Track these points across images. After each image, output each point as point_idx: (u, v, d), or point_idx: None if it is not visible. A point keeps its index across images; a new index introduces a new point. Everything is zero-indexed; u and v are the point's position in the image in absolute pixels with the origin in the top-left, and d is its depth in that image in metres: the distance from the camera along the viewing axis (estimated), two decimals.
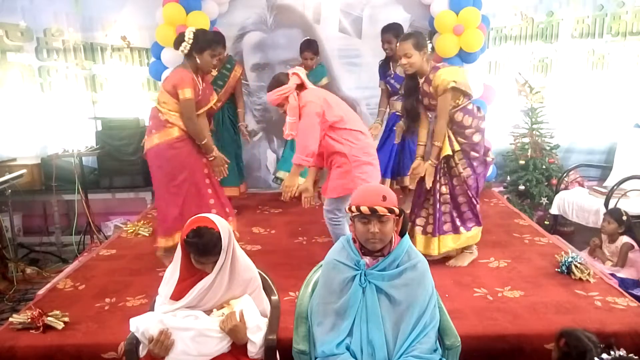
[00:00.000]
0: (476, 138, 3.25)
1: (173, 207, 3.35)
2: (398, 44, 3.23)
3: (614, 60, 5.33)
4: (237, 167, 4.62)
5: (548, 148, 5.22)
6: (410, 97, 3.37)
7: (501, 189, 5.41)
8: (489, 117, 3.77)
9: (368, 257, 2.04)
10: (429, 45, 3.25)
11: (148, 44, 5.13)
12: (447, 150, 3.22)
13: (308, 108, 3.12)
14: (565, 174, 5.00)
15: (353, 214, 1.99)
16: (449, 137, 3.22)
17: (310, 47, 4.62)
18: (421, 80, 3.26)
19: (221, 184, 4.32)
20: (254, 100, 5.46)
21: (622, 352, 2.05)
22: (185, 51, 3.25)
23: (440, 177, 3.31)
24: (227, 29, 5.16)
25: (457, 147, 3.22)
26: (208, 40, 3.28)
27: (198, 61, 3.27)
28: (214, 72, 4.37)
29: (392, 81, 4.37)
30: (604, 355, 2.01)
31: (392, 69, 4.36)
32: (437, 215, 3.33)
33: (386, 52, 4.35)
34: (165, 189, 3.36)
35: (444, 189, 3.33)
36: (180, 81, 3.23)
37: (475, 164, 3.29)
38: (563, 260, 3.34)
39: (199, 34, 3.26)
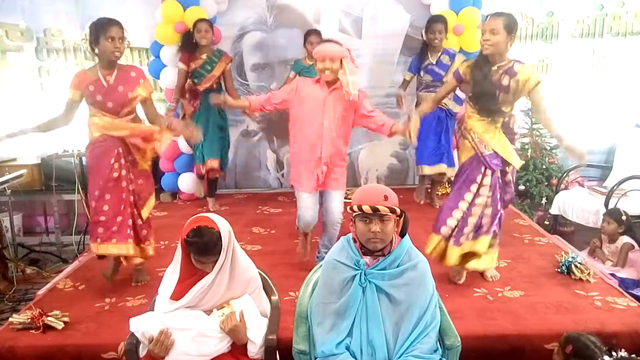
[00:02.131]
0: (517, 145, 3.08)
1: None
2: (488, 18, 2.85)
3: (614, 60, 5.33)
4: (220, 141, 4.69)
5: (548, 148, 5.23)
6: (485, 86, 2.90)
7: None
8: None
9: (368, 257, 2.04)
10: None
11: (148, 44, 5.13)
12: (520, 161, 3.05)
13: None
14: (565, 174, 5.00)
15: (354, 214, 1.99)
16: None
17: (316, 32, 4.65)
18: (495, 68, 2.89)
19: (206, 155, 4.58)
20: None
21: (624, 353, 2.05)
22: (89, 49, 3.03)
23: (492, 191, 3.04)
24: (227, 28, 5.17)
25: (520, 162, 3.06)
26: (98, 26, 2.96)
27: (99, 53, 2.97)
28: (203, 57, 4.48)
29: (432, 67, 4.45)
30: (606, 357, 2.02)
31: (430, 57, 4.46)
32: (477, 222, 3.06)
33: (434, 43, 4.41)
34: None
35: (488, 203, 3.04)
36: (71, 81, 3.03)
37: (513, 177, 3.13)
38: (563, 260, 3.34)
39: (91, 26, 2.99)
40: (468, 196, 3.04)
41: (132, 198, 3.11)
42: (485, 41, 2.83)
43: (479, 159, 3.01)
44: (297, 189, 3.32)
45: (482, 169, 3.01)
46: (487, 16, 2.91)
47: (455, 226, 3.07)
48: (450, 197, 3.17)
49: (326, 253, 3.27)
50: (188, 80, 4.59)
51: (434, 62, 4.45)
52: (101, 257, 3.22)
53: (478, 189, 3.03)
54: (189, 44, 4.51)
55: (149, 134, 3.13)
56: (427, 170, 4.62)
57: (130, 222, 3.08)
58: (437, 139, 4.51)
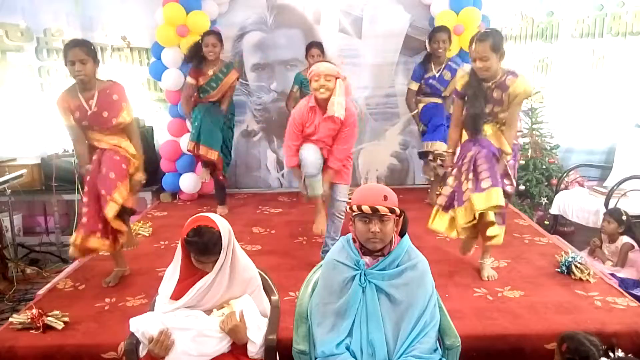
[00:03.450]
0: (520, 140, 3.17)
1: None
2: (475, 44, 2.89)
3: (614, 60, 5.33)
4: (222, 133, 4.60)
5: (548, 148, 5.23)
6: (476, 104, 2.98)
7: None
8: None
9: (368, 257, 2.04)
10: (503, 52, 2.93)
11: (148, 44, 5.14)
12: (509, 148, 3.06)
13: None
14: (565, 174, 5.00)
15: (354, 213, 1.99)
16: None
17: (318, 45, 4.65)
18: (488, 85, 2.95)
19: (201, 142, 4.47)
20: (254, 100, 5.46)
21: (622, 354, 2.05)
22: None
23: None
24: (227, 29, 5.17)
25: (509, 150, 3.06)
26: (63, 52, 2.92)
27: None
28: (210, 73, 4.43)
29: (432, 82, 4.49)
30: (604, 358, 2.02)
31: (433, 70, 4.48)
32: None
33: (437, 53, 4.42)
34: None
35: (481, 153, 3.03)
36: (57, 107, 3.03)
37: (512, 172, 3.15)
38: (563, 260, 3.34)
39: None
40: (461, 168, 3.10)
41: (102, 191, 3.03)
42: (479, 69, 2.90)
43: (469, 141, 3.09)
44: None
45: (473, 147, 3.06)
46: (472, 38, 2.94)
47: (452, 192, 3.12)
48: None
49: (332, 244, 3.33)
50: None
51: (436, 76, 4.47)
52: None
53: (464, 164, 3.08)
54: (196, 58, 4.41)
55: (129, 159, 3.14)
56: (438, 145, 4.46)
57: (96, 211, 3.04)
58: (444, 123, 4.45)
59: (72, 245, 3.05)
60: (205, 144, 4.46)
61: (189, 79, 4.49)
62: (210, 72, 4.43)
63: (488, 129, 3.04)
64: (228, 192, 5.09)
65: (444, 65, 4.46)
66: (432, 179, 4.84)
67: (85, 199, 3.08)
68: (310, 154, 3.28)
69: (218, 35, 4.44)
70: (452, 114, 3.33)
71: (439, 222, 3.19)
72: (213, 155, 4.49)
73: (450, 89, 4.40)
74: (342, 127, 3.25)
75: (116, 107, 3.00)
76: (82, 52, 2.88)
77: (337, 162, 3.31)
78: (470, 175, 3.03)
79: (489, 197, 2.92)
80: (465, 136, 3.18)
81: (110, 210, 2.97)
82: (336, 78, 3.14)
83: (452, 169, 3.21)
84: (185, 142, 4.93)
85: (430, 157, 4.80)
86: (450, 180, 3.16)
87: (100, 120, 2.99)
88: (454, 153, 3.26)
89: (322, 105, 3.21)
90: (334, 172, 3.34)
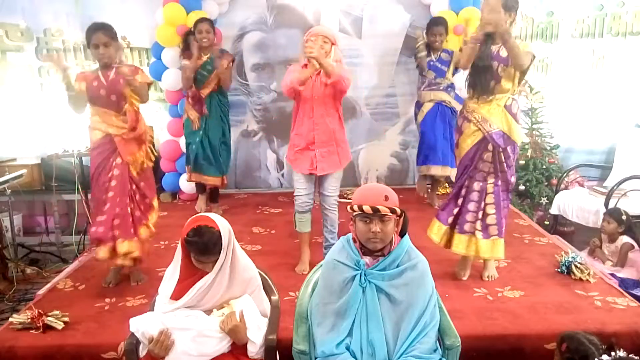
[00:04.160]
0: (522, 123, 3.15)
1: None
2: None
3: (614, 60, 5.33)
4: (221, 157, 4.61)
5: (548, 148, 5.23)
6: (482, 64, 2.97)
7: None
8: None
9: (368, 257, 2.04)
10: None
11: (148, 44, 5.14)
12: (523, 136, 3.07)
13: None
14: (565, 174, 5.00)
15: (355, 213, 1.99)
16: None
17: None
18: (497, 47, 2.95)
19: (202, 172, 4.51)
20: (254, 100, 5.46)
21: (623, 353, 2.05)
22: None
23: (491, 173, 3.09)
24: (227, 29, 5.17)
25: (524, 137, 3.08)
26: (86, 34, 3.05)
27: None
28: (204, 58, 4.42)
29: (434, 64, 4.51)
30: (605, 357, 2.01)
31: (432, 55, 4.51)
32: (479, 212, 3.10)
33: (434, 45, 4.49)
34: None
35: (490, 188, 3.08)
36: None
37: (513, 163, 3.15)
38: (563, 260, 3.35)
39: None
40: (468, 182, 3.12)
41: (137, 196, 3.17)
42: (485, 20, 2.88)
43: (481, 143, 3.04)
44: (294, 169, 3.43)
45: (484, 154, 3.05)
46: None
47: (458, 213, 3.15)
48: (454, 185, 3.25)
49: (332, 239, 3.37)
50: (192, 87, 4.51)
51: (435, 59, 4.51)
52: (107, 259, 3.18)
53: (477, 173, 3.09)
54: (189, 45, 4.43)
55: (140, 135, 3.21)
56: (433, 170, 4.59)
57: (130, 219, 3.12)
58: (442, 138, 4.50)
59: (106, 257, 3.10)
60: (206, 173, 4.54)
61: (183, 61, 4.46)
62: (205, 58, 4.42)
63: (494, 107, 3.00)
64: (228, 192, 5.09)
65: (440, 51, 4.52)
66: (425, 195, 4.86)
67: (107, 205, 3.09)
68: (301, 191, 3.36)
69: (211, 22, 4.47)
70: (463, 55, 3.18)
71: (437, 233, 3.24)
72: (217, 181, 4.58)
73: (454, 61, 4.42)
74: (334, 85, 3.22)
75: (132, 72, 3.08)
76: (105, 35, 2.99)
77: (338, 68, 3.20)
78: (475, 207, 3.09)
79: (495, 249, 3.12)
80: (468, 141, 3.11)
81: (144, 233, 3.18)
82: (332, 44, 3.18)
83: (458, 182, 3.19)
84: (184, 142, 4.93)
85: (428, 182, 4.84)
86: (456, 197, 3.17)
87: (117, 87, 3.05)
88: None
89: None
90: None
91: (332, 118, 3.32)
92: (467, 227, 3.13)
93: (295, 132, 3.40)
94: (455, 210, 3.16)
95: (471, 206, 3.11)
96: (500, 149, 3.02)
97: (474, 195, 3.10)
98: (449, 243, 3.22)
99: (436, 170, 4.58)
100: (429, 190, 4.89)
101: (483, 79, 2.99)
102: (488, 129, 3.00)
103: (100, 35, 2.97)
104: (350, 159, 3.54)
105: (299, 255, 3.52)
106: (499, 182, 3.09)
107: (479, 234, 3.10)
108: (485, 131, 3.00)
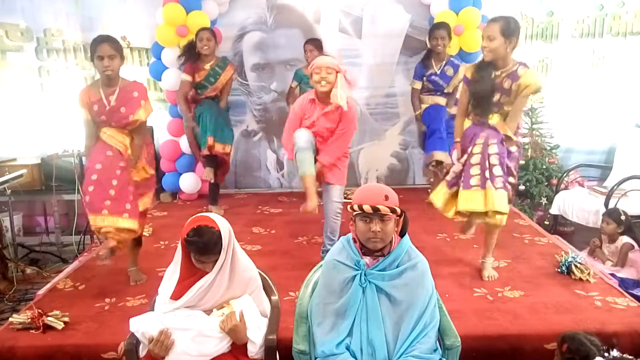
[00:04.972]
0: (520, 140, 3.14)
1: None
2: (486, 24, 2.95)
3: (614, 60, 5.33)
4: (226, 126, 4.60)
5: (548, 148, 5.23)
6: (482, 88, 2.97)
7: None
8: None
9: (368, 257, 2.04)
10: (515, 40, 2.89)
11: (148, 44, 5.14)
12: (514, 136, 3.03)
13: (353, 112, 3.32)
14: (565, 174, 5.00)
15: (355, 213, 1.99)
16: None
17: (313, 41, 4.67)
18: (498, 73, 2.92)
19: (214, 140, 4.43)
20: (254, 100, 5.46)
21: (616, 353, 2.06)
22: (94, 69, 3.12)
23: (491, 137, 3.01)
24: (227, 29, 5.17)
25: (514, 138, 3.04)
26: (91, 45, 3.00)
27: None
28: (207, 67, 4.44)
29: (435, 78, 4.49)
30: (597, 359, 2.02)
31: (434, 66, 4.47)
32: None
33: (437, 49, 4.43)
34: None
35: (492, 148, 2.98)
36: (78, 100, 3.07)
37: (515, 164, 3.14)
38: (563, 260, 3.34)
39: (91, 43, 3.04)
40: (469, 149, 3.05)
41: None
42: (484, 48, 2.89)
43: (476, 125, 3.06)
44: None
45: (480, 132, 3.03)
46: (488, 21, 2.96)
47: (460, 172, 3.07)
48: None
49: (330, 245, 3.36)
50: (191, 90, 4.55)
51: (438, 72, 4.47)
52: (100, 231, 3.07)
53: (477, 139, 3.03)
54: (191, 54, 4.46)
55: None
56: (439, 155, 4.47)
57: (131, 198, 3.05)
58: (445, 127, 4.46)
59: (102, 234, 3.00)
60: (220, 140, 4.46)
61: (184, 76, 4.50)
62: (207, 67, 4.46)
63: (494, 118, 3.02)
64: (228, 192, 5.09)
65: (445, 62, 4.45)
66: (432, 179, 4.84)
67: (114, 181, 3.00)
68: (303, 131, 3.31)
69: (212, 31, 4.50)
70: (459, 102, 3.26)
71: (439, 196, 3.14)
72: (228, 149, 4.55)
73: (454, 83, 4.42)
74: (340, 120, 3.27)
75: (135, 104, 3.03)
76: (110, 47, 2.95)
77: (327, 157, 3.31)
78: (480, 160, 2.97)
79: (503, 201, 2.96)
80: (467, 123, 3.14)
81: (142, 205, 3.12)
82: (337, 72, 3.19)
83: (462, 154, 3.13)
84: (185, 142, 4.93)
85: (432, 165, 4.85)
86: (461, 159, 3.09)
87: (118, 116, 3.01)
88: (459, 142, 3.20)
89: (322, 98, 3.25)
90: (325, 168, 3.32)
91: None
92: (473, 181, 3.00)
93: None
94: (458, 170, 3.08)
95: (474, 159, 2.99)
96: (500, 138, 3.00)
97: (476, 157, 3.00)
98: (450, 206, 3.12)
99: (441, 156, 4.46)
100: (432, 179, 4.83)
101: (485, 105, 2.99)
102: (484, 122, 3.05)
103: (106, 47, 2.93)
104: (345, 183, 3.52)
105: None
106: (501, 143, 3.00)
107: (489, 184, 2.95)
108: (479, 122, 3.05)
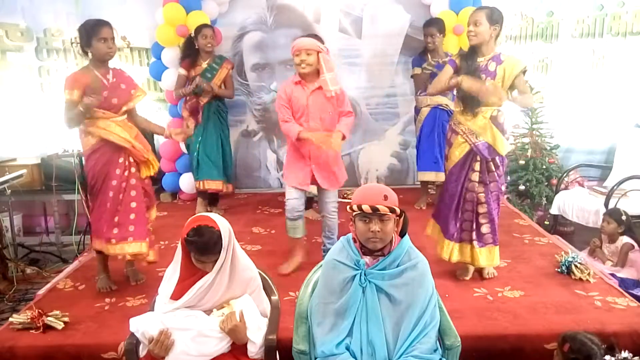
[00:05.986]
0: (510, 139, 3.21)
1: (92, 214, 3.16)
2: (472, 12, 3.02)
3: (614, 60, 5.33)
4: (223, 163, 4.62)
5: (548, 148, 5.23)
6: (467, 73, 3.02)
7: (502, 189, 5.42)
8: None
9: (368, 257, 2.04)
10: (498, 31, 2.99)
11: (148, 44, 5.14)
12: (508, 148, 3.08)
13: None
14: (565, 174, 5.00)
15: (354, 213, 1.99)
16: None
17: (314, 37, 4.63)
18: (485, 58, 3.02)
19: (206, 178, 4.50)
20: (254, 100, 5.46)
21: (627, 354, 2.05)
22: (81, 52, 3.04)
23: (481, 183, 3.11)
24: (227, 29, 5.17)
25: (509, 148, 3.12)
26: (88, 28, 2.93)
27: (92, 55, 2.98)
28: (204, 65, 4.44)
29: (436, 72, 4.42)
30: (607, 357, 2.02)
31: (429, 59, 4.49)
32: (473, 221, 3.14)
33: (428, 46, 4.47)
34: (90, 194, 3.17)
35: (482, 197, 3.10)
36: (65, 84, 2.95)
37: (502, 173, 3.19)
38: (563, 260, 3.35)
39: (80, 28, 2.98)
40: (460, 192, 3.14)
41: (145, 198, 3.16)
42: (469, 32, 2.99)
43: (469, 154, 3.08)
44: (287, 183, 3.40)
45: (473, 164, 3.09)
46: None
47: (459, 226, 3.18)
48: (445, 196, 3.22)
49: (329, 243, 3.37)
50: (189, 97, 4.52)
51: (434, 66, 4.45)
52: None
53: (469, 184, 3.11)
54: (191, 51, 4.44)
55: (158, 132, 3.36)
56: (427, 176, 4.64)
57: (144, 220, 3.12)
58: (437, 146, 4.50)
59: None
60: (209, 178, 4.52)
61: (181, 70, 4.49)
62: (205, 64, 4.44)
63: (480, 119, 3.04)
64: (228, 192, 5.07)
65: (446, 59, 4.46)
66: (423, 208, 4.78)
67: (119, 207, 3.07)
68: (293, 199, 3.31)
69: (213, 28, 4.50)
70: (437, 78, 3.25)
71: (434, 231, 3.33)
72: (218, 185, 4.56)
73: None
74: (338, 99, 3.23)
75: (131, 82, 3.10)
76: (111, 31, 2.97)
77: (344, 127, 3.23)
78: (469, 217, 3.13)
79: (490, 256, 3.18)
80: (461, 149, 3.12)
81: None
82: (317, 52, 3.15)
83: (448, 191, 3.19)
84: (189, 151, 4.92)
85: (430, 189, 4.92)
86: (456, 210, 3.17)
87: (119, 92, 3.02)
88: None
89: (307, 78, 3.21)
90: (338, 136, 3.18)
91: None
92: (464, 235, 3.18)
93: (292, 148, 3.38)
94: (459, 224, 3.18)
95: (467, 216, 3.15)
96: (489, 159, 3.06)
97: (468, 205, 3.14)
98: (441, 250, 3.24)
99: (430, 176, 4.63)
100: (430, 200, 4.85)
101: (471, 98, 3.02)
102: (474, 140, 3.04)
103: (109, 30, 2.94)
104: (346, 178, 3.49)
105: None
106: (490, 192, 3.11)
107: (475, 243, 3.14)
108: (471, 143, 3.05)
